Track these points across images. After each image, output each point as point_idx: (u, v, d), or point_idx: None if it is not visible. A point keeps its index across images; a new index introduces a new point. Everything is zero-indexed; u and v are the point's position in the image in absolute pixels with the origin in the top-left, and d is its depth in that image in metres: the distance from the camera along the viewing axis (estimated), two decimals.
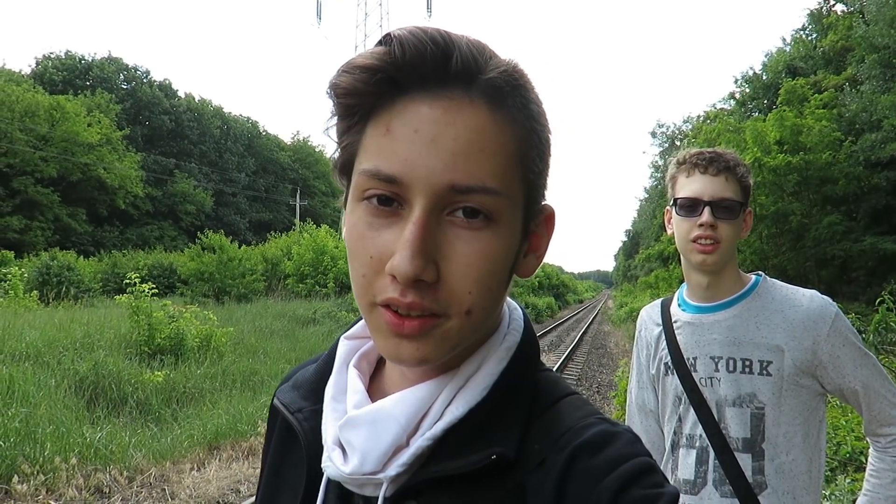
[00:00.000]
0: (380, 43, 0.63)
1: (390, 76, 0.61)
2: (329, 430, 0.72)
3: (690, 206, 1.72)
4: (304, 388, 0.81)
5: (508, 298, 0.76)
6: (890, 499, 1.64)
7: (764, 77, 30.42)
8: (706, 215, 1.68)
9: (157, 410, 7.88)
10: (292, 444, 0.79)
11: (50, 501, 4.97)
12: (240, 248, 27.83)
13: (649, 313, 1.98)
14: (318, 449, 0.73)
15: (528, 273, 0.72)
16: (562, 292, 59.68)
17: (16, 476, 5.08)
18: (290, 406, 0.79)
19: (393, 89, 0.62)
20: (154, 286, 11.11)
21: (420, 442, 0.66)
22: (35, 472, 5.23)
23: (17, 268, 18.39)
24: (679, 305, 1.88)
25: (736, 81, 33.93)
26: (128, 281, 10.85)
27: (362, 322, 0.79)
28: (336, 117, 0.66)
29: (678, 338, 1.82)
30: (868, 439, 1.73)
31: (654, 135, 46.99)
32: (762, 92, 30.08)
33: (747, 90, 32.22)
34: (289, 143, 76.18)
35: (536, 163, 0.67)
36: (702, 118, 37.03)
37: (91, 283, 24.75)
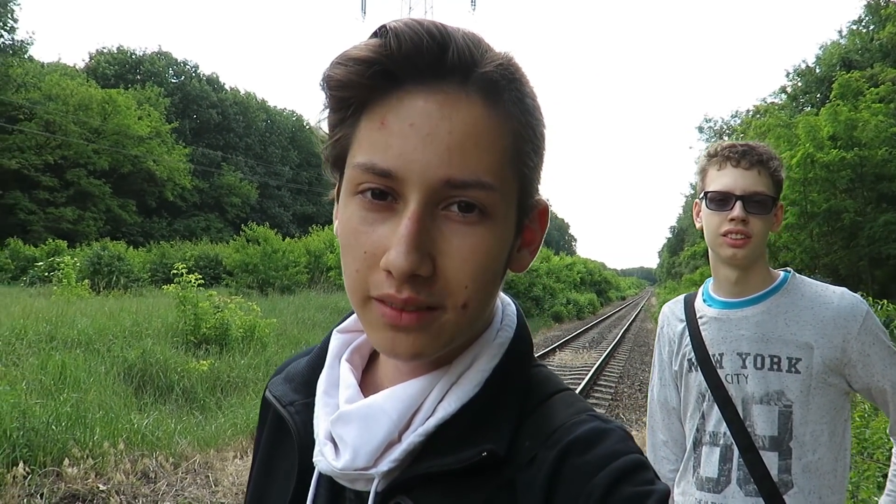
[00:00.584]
0: (374, 35, 0.62)
1: (386, 69, 0.60)
2: (321, 424, 0.72)
3: (722, 200, 1.69)
4: (296, 381, 0.81)
5: (502, 294, 0.76)
6: None
7: (817, 70, 29.57)
8: (738, 209, 1.66)
9: (201, 399, 8.03)
10: (284, 437, 0.79)
11: (98, 485, 5.10)
12: (283, 240, 28.22)
13: (672, 309, 1.95)
14: (309, 442, 0.73)
15: (522, 268, 0.72)
16: (604, 289, 59.11)
17: (66, 459, 5.22)
18: (282, 399, 0.79)
19: (388, 82, 0.61)
20: (200, 277, 11.33)
21: (412, 438, 0.66)
22: (85, 456, 5.37)
23: (69, 257, 18.93)
24: (704, 301, 1.85)
25: (787, 75, 33.10)
26: (175, 271, 11.10)
27: (355, 316, 0.80)
28: (328, 110, 0.65)
29: (703, 333, 1.79)
30: (893, 440, 1.72)
31: (700, 130, 46.17)
32: (815, 86, 29.24)
33: (799, 84, 31.38)
34: None
35: (531, 157, 0.66)
36: (751, 113, 36.17)
37: (140, 273, 25.37)
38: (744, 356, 1.70)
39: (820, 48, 31.25)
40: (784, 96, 32.85)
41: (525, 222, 0.70)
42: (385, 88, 0.61)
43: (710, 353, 1.76)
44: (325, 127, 0.67)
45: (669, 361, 1.92)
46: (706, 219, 1.74)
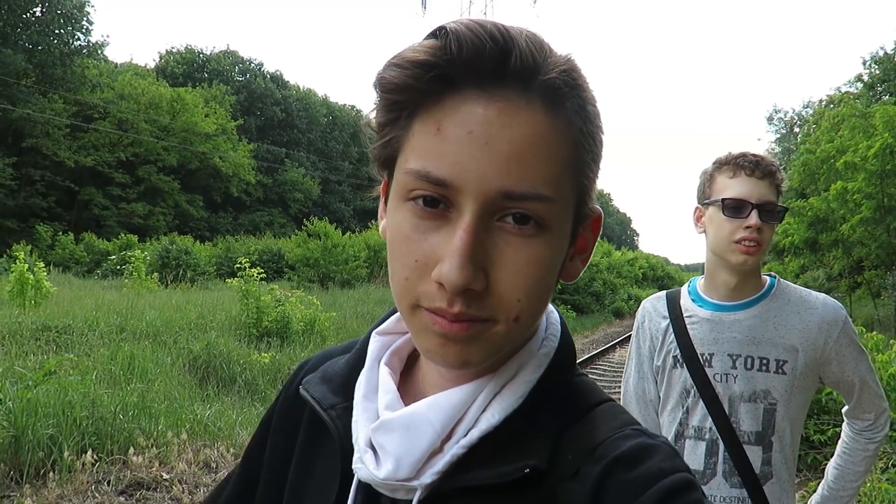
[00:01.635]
0: (431, 36, 0.60)
1: (444, 73, 0.58)
2: (361, 431, 0.71)
3: (737, 208, 1.76)
4: (335, 382, 0.79)
5: None
6: (857, 473, 1.88)
7: None
8: (754, 218, 1.74)
9: (263, 390, 8.18)
10: (323, 439, 0.78)
11: (162, 473, 5.24)
12: (344, 235, 28.59)
13: (654, 305, 2.02)
14: (349, 447, 0.71)
15: (573, 277, 0.70)
16: (667, 284, 57.84)
17: (132, 448, 5.39)
18: (322, 402, 0.77)
19: (445, 87, 0.59)
20: (263, 271, 11.57)
21: (455, 450, 0.65)
22: (149, 445, 5.53)
23: (140, 251, 19.62)
24: (694, 301, 1.93)
25: (864, 63, 31.67)
26: (238, 266, 11.35)
27: (395, 317, 0.79)
28: (379, 110, 0.63)
29: (691, 332, 1.87)
30: (847, 420, 1.92)
31: (770, 120, 44.74)
32: (893, 74, 27.91)
33: (877, 72, 30.01)
34: None
35: (591, 167, 0.64)
36: (824, 103, 34.79)
37: (206, 267, 26.11)
38: (734, 357, 1.81)
39: None
40: (860, 85, 31.47)
41: (579, 230, 0.68)
42: (441, 93, 0.59)
43: (699, 352, 1.84)
44: (373, 125, 0.65)
45: (650, 356, 1.98)
46: (718, 224, 1.80)
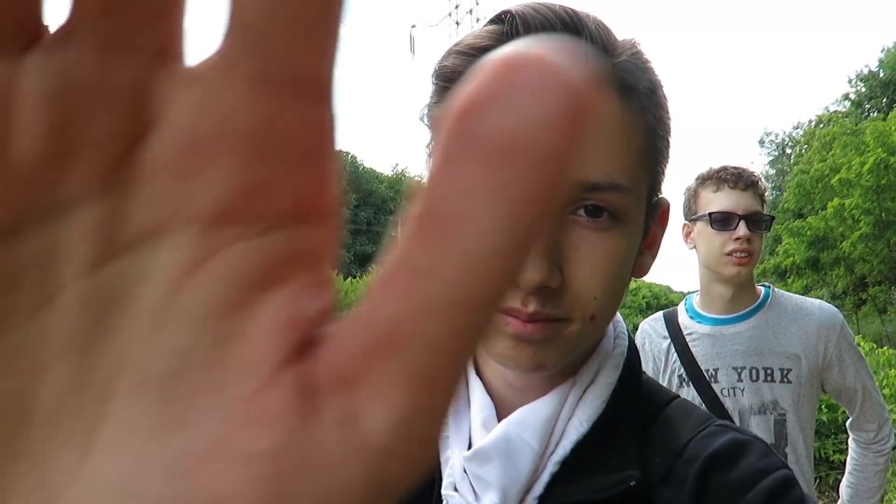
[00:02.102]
0: (496, 21, 0.56)
1: None
2: (455, 453, 0.63)
3: (724, 220, 1.78)
4: None
5: None
6: (871, 489, 1.87)
7: (881, 74, 28.61)
8: (742, 229, 1.75)
9: None
10: None
11: None
12: (345, 281, 28.64)
13: (653, 326, 1.99)
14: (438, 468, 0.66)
15: (644, 272, 0.66)
16: None
17: None
18: None
19: None
20: None
21: (550, 468, 0.60)
22: None
23: None
24: (692, 318, 1.92)
25: (850, 81, 32.10)
26: None
27: None
28: (436, 103, 0.60)
29: (693, 350, 1.86)
30: (852, 434, 1.91)
31: (762, 143, 45.12)
32: (880, 90, 28.29)
33: (863, 90, 30.39)
34: (388, 175, 78.00)
35: (663, 154, 0.61)
36: (813, 123, 35.17)
37: None
38: (739, 370, 1.80)
39: (882, 51, 30.21)
40: (847, 103, 31.84)
41: (649, 223, 0.64)
42: None
43: (704, 369, 1.83)
44: (426, 120, 0.62)
45: (654, 378, 1.88)
46: (708, 238, 1.81)
